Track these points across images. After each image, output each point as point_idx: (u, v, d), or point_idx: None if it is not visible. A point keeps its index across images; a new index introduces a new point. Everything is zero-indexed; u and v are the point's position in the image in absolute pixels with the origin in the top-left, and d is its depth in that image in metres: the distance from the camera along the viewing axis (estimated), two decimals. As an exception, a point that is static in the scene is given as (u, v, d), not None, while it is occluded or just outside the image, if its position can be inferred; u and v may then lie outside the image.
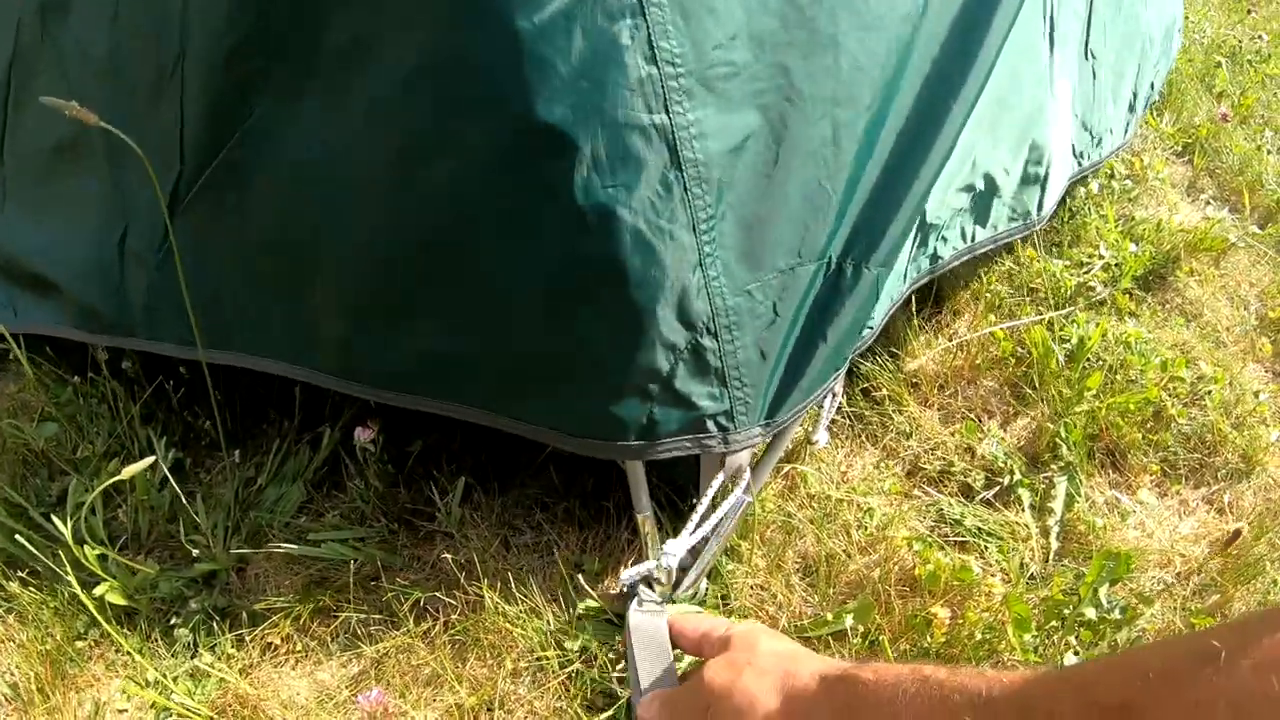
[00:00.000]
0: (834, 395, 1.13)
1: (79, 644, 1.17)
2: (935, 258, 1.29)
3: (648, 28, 0.85)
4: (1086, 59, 1.57)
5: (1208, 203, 1.88)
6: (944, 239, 1.30)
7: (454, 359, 1.02)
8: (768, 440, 1.03)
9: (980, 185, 1.33)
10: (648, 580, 1.04)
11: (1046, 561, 1.20)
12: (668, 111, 0.87)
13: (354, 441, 1.19)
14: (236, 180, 1.10)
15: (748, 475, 1.02)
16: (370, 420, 1.18)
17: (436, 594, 1.11)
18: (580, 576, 1.09)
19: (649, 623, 0.98)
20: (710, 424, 0.95)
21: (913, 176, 1.04)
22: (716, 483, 1.01)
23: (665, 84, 0.87)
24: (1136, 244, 1.63)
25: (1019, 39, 1.27)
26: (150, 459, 1.06)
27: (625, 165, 0.86)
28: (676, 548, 1.01)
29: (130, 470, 1.06)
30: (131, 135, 1.16)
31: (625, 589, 1.04)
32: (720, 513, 1.02)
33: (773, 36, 0.93)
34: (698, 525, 1.02)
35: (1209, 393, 1.45)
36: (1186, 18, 2.66)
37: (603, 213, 0.87)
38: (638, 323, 0.90)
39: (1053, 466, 1.30)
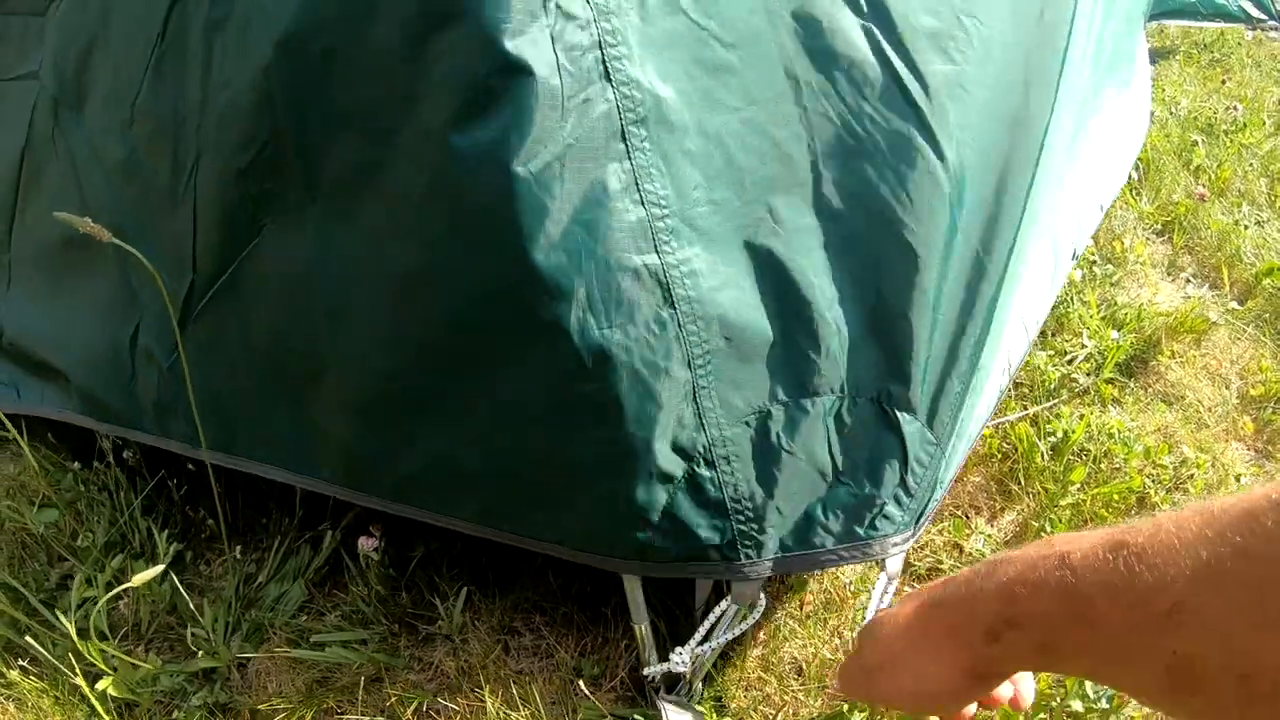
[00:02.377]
0: (889, 578, 1.03)
1: (80, 737, 1.18)
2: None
3: (634, 172, 0.89)
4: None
5: (1188, 281, 1.94)
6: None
7: (455, 474, 1.05)
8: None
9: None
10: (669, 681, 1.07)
11: (1033, 655, 1.23)
12: (658, 252, 0.91)
13: (358, 549, 1.21)
14: (246, 291, 1.12)
15: (762, 600, 1.02)
16: (373, 527, 1.20)
17: (439, 699, 1.13)
18: (580, 682, 1.11)
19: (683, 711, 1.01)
20: (713, 553, 0.96)
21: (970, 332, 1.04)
22: (720, 608, 1.03)
23: (653, 225, 0.90)
24: (1118, 330, 1.68)
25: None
26: (159, 568, 1.08)
27: (619, 307, 0.90)
28: (685, 656, 1.02)
29: (140, 578, 1.07)
30: (144, 239, 1.18)
31: (653, 681, 1.07)
32: (725, 630, 1.04)
33: (752, 173, 0.97)
34: (704, 639, 1.03)
35: (1191, 477, 1.49)
36: (1162, 89, 2.74)
37: (599, 354, 0.90)
38: (635, 457, 0.93)
39: (1039, 559, 1.34)
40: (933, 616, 0.57)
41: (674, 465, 0.95)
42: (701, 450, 0.95)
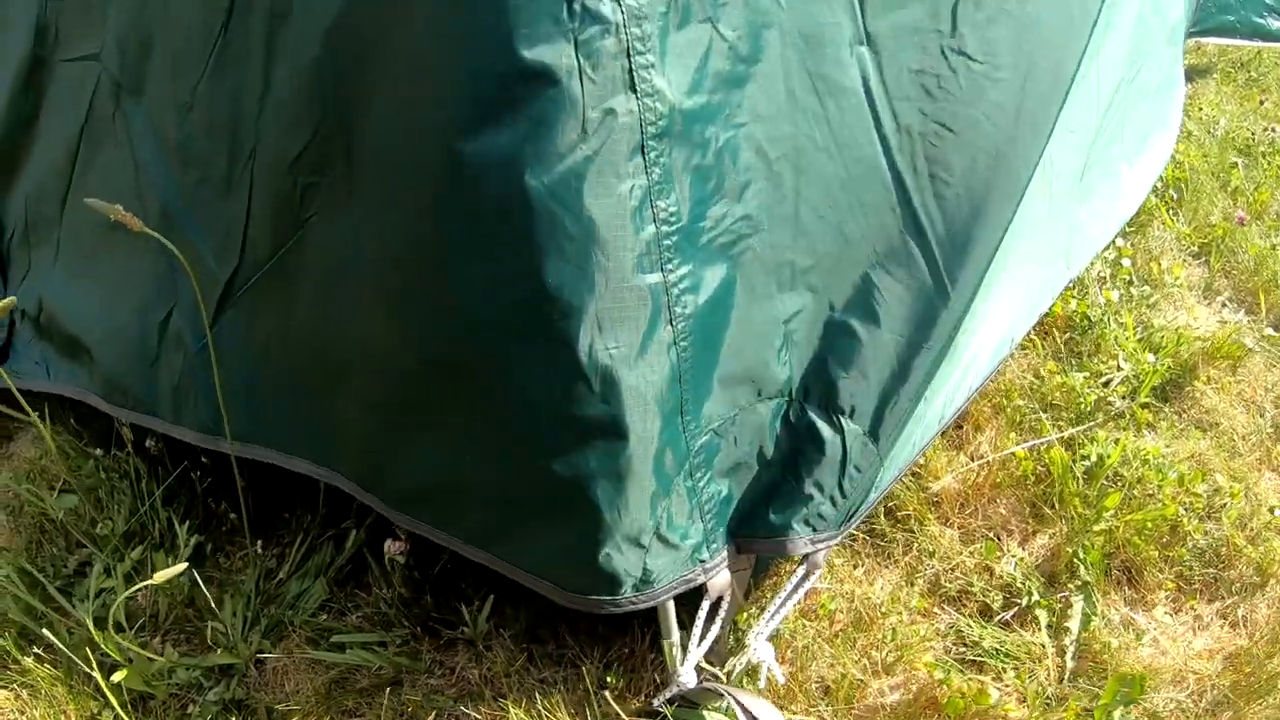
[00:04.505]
0: (810, 568, 1.09)
1: (93, 726, 1.17)
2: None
3: (649, 186, 0.86)
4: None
5: (1224, 305, 1.91)
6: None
7: (455, 485, 1.04)
8: (740, 559, 1.06)
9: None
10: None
11: (1062, 681, 1.21)
12: (662, 270, 0.89)
13: (384, 551, 1.19)
14: (289, 281, 1.11)
15: (727, 598, 1.06)
16: (400, 531, 1.18)
17: (460, 705, 1.11)
18: (606, 693, 1.09)
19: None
20: (692, 560, 0.99)
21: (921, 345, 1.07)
22: (703, 612, 1.05)
23: (661, 243, 0.88)
24: (1154, 354, 1.66)
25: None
26: (181, 566, 1.07)
27: (625, 325, 0.88)
28: (687, 672, 1.05)
29: (162, 576, 1.06)
30: (196, 223, 1.19)
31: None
32: (714, 633, 1.07)
33: (744, 190, 0.96)
34: (698, 643, 1.06)
35: (1224, 505, 1.47)
36: (1200, 108, 2.71)
37: (606, 375, 0.88)
38: (637, 476, 0.92)
39: (1070, 586, 1.31)
40: None
41: (666, 482, 0.95)
42: (682, 462, 0.96)
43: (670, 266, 0.89)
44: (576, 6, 0.81)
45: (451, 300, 0.94)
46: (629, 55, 0.82)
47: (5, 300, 1.13)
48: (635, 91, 0.83)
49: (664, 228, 0.87)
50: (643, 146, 0.84)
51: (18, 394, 1.31)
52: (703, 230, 0.92)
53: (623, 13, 0.82)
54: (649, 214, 0.86)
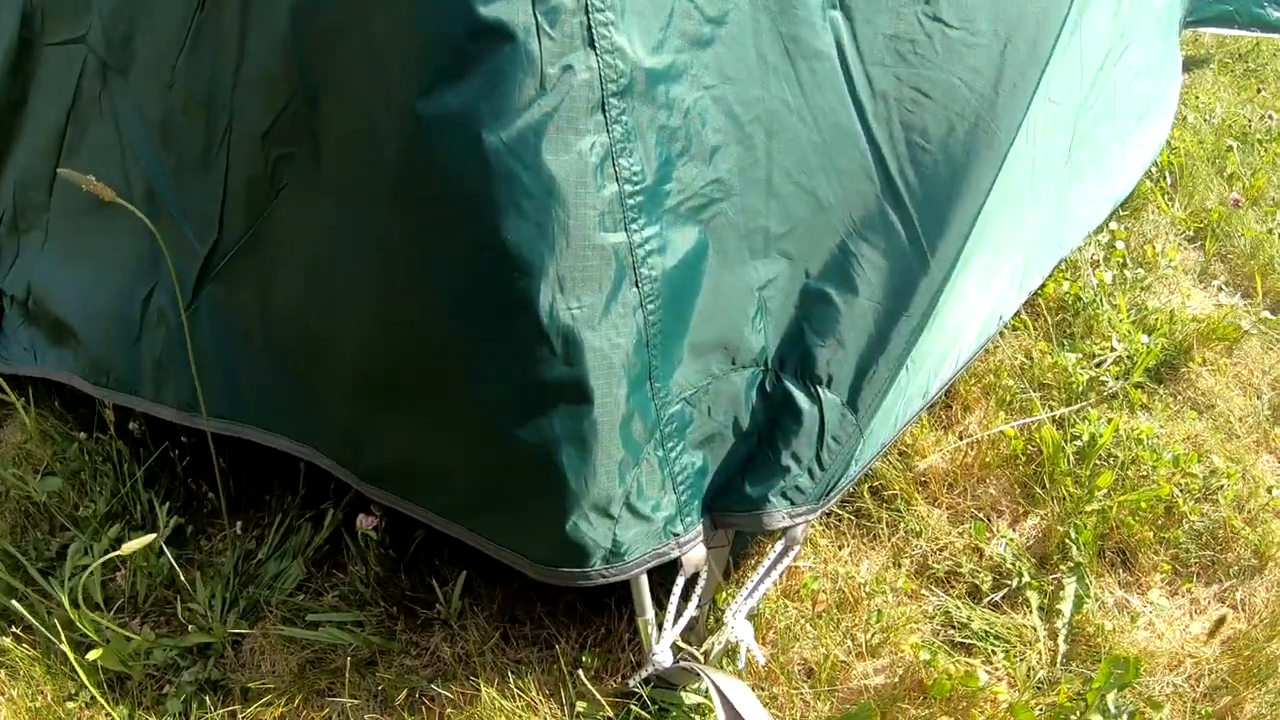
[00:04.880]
0: (789, 543, 1.09)
1: (69, 704, 1.16)
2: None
3: (610, 145, 0.85)
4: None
5: (1220, 289, 1.88)
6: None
7: (427, 459, 1.03)
8: (718, 535, 1.05)
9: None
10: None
11: (1054, 665, 1.18)
12: (626, 230, 0.88)
13: (356, 527, 1.18)
14: (266, 254, 1.11)
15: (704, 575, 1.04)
16: (374, 507, 1.17)
17: (433, 685, 1.09)
18: (580, 673, 1.08)
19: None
20: (665, 533, 0.97)
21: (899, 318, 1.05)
22: (678, 588, 1.03)
23: (624, 202, 0.87)
24: (1149, 335, 1.63)
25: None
26: (150, 537, 1.06)
27: (587, 286, 0.87)
28: (662, 651, 1.04)
29: (130, 546, 1.05)
30: (178, 199, 1.19)
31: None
32: (691, 611, 1.05)
33: (715, 152, 0.94)
34: (673, 622, 1.04)
35: (1221, 487, 1.44)
36: (1196, 97, 2.68)
37: (568, 336, 0.87)
38: (602, 442, 0.90)
39: (1062, 567, 1.29)
40: None
41: (634, 449, 0.94)
42: (652, 431, 0.94)
43: (635, 226, 0.87)
44: (532, -38, 0.80)
45: (416, 271, 0.94)
46: (587, 12, 0.81)
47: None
48: (594, 48, 0.82)
49: (627, 186, 0.86)
50: (603, 104, 0.83)
51: (0, 380, 1.31)
52: (670, 192, 0.90)
53: (579, -31, 0.82)
54: (611, 172, 0.85)
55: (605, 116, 0.83)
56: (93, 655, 1.15)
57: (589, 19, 0.81)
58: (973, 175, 1.08)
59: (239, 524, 1.30)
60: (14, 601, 1.25)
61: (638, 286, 0.88)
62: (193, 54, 1.11)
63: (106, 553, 1.28)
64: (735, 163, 0.95)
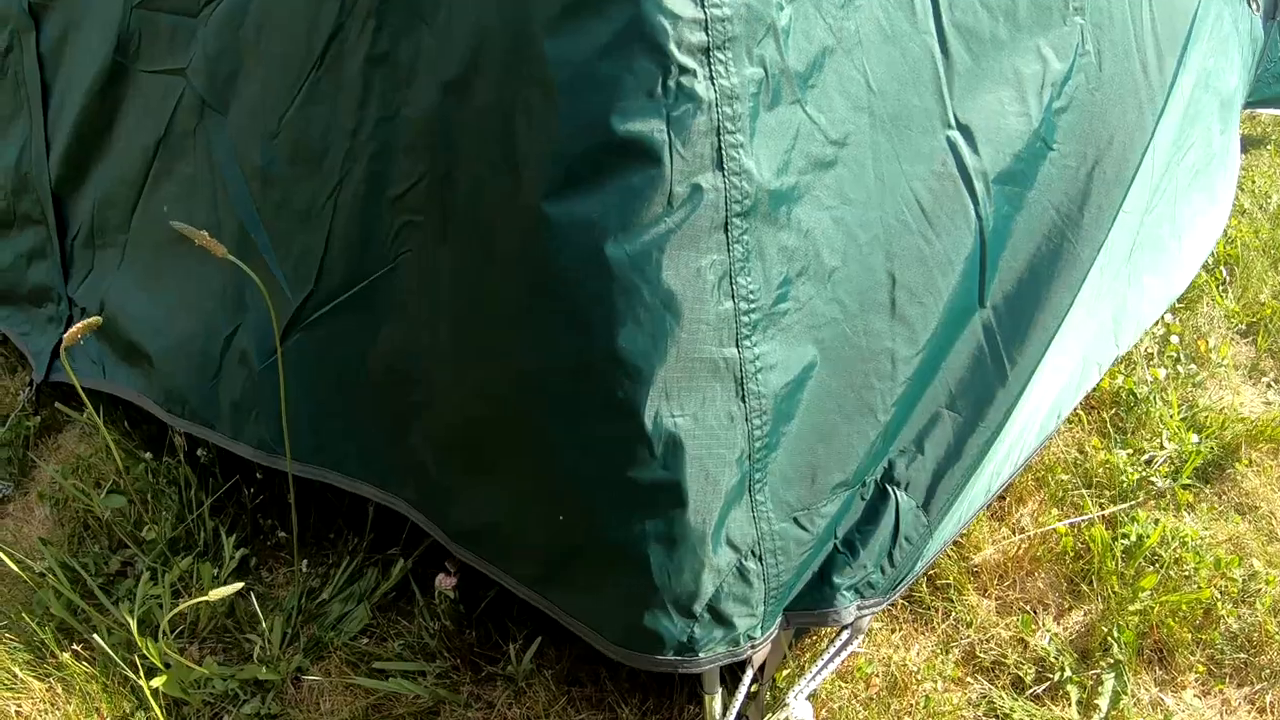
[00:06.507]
0: (854, 633, 1.12)
1: (124, 725, 1.18)
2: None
3: (729, 263, 0.88)
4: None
5: (1269, 385, 1.90)
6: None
7: (514, 528, 1.06)
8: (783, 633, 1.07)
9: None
10: None
11: (1089, 760, 1.21)
12: (738, 345, 0.90)
13: (435, 586, 1.20)
14: (376, 311, 1.14)
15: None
16: (450, 563, 1.20)
17: (494, 743, 1.12)
18: (638, 743, 1.10)
19: None
20: (743, 639, 0.99)
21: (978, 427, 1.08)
22: (748, 676, 1.06)
23: (739, 319, 0.89)
24: (1199, 434, 1.65)
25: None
26: (236, 586, 1.09)
27: (694, 396, 0.89)
28: None
29: (218, 593, 1.08)
30: (271, 245, 1.21)
31: None
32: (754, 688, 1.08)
33: (834, 273, 0.96)
34: (740, 707, 1.07)
35: (1259, 590, 1.46)
36: (1253, 180, 2.69)
37: (670, 441, 0.89)
38: (691, 544, 0.93)
39: (1102, 663, 1.31)
40: None
41: (725, 557, 0.95)
42: (750, 544, 0.96)
43: (748, 344, 0.90)
44: (671, 83, 0.83)
45: (524, 352, 0.96)
46: (719, 133, 0.84)
47: (91, 319, 1.15)
48: (723, 170, 0.85)
49: (743, 304, 0.89)
50: (726, 224, 0.86)
51: (81, 390, 1.34)
52: (786, 311, 0.92)
53: (715, 92, 0.84)
54: (728, 289, 0.88)
55: (727, 236, 0.86)
56: (157, 681, 1.18)
57: (719, 140, 0.84)
58: (1055, 293, 1.11)
59: (304, 561, 1.33)
60: (74, 619, 1.28)
61: (744, 401, 0.91)
62: (304, 109, 1.14)
63: (175, 584, 1.31)
64: (855, 285, 0.98)
